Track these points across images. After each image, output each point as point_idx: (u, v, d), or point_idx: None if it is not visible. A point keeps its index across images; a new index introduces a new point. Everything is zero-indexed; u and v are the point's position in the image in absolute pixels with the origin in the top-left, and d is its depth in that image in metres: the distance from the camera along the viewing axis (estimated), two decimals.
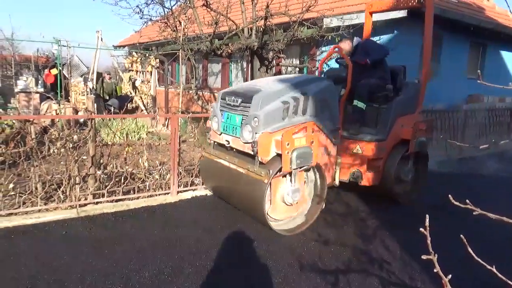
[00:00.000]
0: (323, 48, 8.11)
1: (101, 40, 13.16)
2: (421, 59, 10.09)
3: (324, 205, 4.12)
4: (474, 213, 1.21)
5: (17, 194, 4.09)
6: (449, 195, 1.25)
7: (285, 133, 3.50)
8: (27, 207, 4.07)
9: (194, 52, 7.80)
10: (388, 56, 4.98)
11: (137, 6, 7.72)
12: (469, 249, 1.14)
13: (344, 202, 4.94)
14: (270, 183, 3.58)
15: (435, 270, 1.12)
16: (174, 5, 8.05)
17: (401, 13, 8.10)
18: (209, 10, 7.11)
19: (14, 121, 4.30)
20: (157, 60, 13.17)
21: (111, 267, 3.09)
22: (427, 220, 1.16)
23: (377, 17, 8.07)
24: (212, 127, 4.22)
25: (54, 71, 12.04)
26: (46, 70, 13.20)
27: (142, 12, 7.71)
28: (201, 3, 7.09)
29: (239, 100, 3.79)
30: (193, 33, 8.11)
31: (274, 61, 7.82)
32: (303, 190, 3.97)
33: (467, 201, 1.20)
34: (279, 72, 9.75)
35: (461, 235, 1.23)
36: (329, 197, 4.90)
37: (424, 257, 1.15)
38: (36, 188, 4.21)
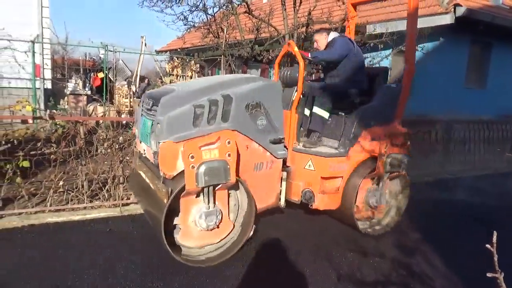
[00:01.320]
0: (365, 55, 8.00)
1: (145, 45, 13.65)
2: (469, 67, 9.81)
3: (251, 233, 3.41)
4: None
5: (65, 191, 4.30)
6: None
7: (188, 143, 2.89)
8: (73, 203, 4.27)
9: (235, 58, 7.93)
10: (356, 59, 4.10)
11: (182, 13, 7.97)
12: None
13: None
14: (178, 203, 3.01)
15: None
16: (216, 12, 8.23)
17: (448, 20, 7.85)
18: (251, 16, 7.20)
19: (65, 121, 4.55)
20: (197, 65, 13.45)
21: (152, 266, 3.18)
22: (495, 236, 1.10)
23: (422, 24, 7.86)
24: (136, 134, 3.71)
25: (101, 75, 12.60)
26: (93, 73, 13.85)
27: (186, 19, 7.95)
28: (243, 10, 7.20)
29: (151, 103, 3.25)
30: (234, 39, 8.24)
31: (314, 67, 7.78)
32: (226, 213, 3.24)
33: None
34: (318, 79, 9.68)
35: None
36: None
37: (489, 274, 1.09)
38: (83, 186, 4.40)
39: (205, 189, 3.00)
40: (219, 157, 2.97)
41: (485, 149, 7.71)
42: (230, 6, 7.59)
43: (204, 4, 7.86)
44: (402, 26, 7.34)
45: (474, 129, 7.60)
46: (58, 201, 4.27)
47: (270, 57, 7.21)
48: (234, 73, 8.56)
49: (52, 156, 4.22)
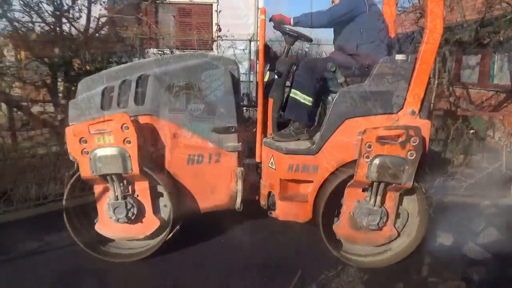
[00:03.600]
0: None
1: None
2: None
3: (169, 235, 2.97)
4: None
5: None
6: None
7: (77, 126, 2.74)
8: None
9: (451, 44, 6.97)
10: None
11: None
12: None
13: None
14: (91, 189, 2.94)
15: None
16: None
17: None
18: None
19: None
20: None
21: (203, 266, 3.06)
22: None
23: None
24: None
25: None
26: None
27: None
28: None
29: None
30: (448, 22, 7.25)
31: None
32: (149, 207, 2.90)
33: None
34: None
35: None
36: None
37: None
38: None
39: (108, 177, 2.79)
40: (115, 143, 2.69)
41: None
42: None
43: None
44: None
45: None
46: None
47: (500, 40, 6.00)
48: (447, 60, 7.55)
49: None
